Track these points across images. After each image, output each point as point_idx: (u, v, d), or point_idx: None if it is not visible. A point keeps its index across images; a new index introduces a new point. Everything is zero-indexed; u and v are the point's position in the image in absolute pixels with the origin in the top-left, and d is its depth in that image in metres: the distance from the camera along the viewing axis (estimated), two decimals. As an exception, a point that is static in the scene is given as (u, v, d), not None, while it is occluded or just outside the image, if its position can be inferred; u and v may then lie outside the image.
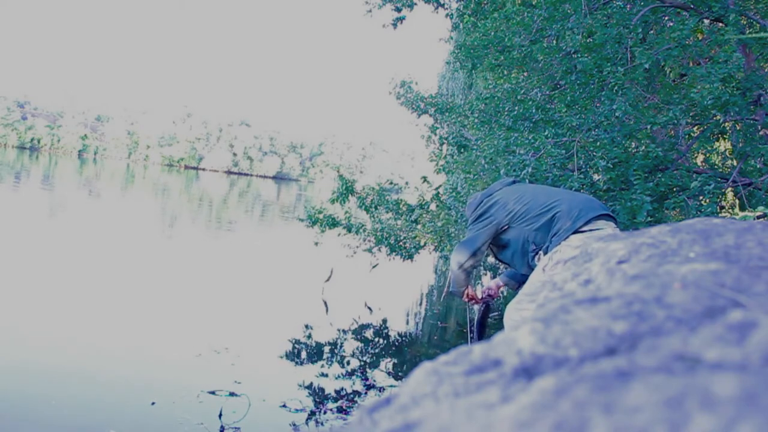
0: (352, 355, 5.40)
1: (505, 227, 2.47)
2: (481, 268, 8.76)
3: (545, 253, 2.32)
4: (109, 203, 18.86)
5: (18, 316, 5.10)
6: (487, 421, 0.32)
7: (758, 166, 4.94)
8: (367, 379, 4.71)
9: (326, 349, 5.49)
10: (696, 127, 5.29)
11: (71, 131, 73.38)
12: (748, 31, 4.92)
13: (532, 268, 2.41)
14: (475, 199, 2.69)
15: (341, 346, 5.66)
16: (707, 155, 7.21)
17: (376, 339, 6.21)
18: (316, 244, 7.62)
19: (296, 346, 5.44)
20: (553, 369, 0.37)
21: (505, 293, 4.89)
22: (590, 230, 2.22)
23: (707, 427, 0.26)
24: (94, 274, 7.16)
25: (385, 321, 6.89)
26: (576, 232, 2.23)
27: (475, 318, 2.88)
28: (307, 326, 6.09)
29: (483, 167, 5.18)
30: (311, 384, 4.43)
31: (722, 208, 4.45)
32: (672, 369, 0.33)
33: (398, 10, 7.96)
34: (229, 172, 77.07)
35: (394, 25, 8.21)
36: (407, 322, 7.31)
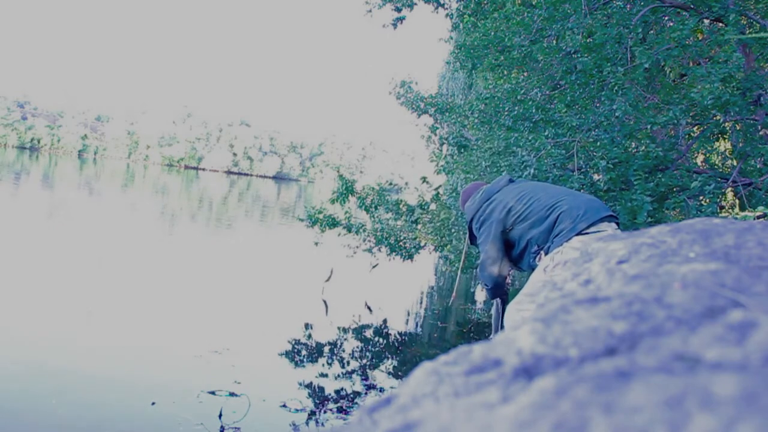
0: (352, 355, 5.40)
1: (509, 229, 2.48)
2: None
3: (546, 253, 2.32)
4: (109, 203, 18.86)
5: (18, 316, 5.10)
6: (487, 421, 0.32)
7: (758, 166, 4.94)
8: (367, 379, 4.71)
9: (326, 349, 5.48)
10: (696, 127, 5.29)
11: (71, 131, 73.34)
12: (748, 31, 4.92)
13: (533, 268, 2.41)
14: (474, 202, 2.68)
15: (341, 346, 5.66)
16: (707, 155, 7.21)
17: (376, 339, 6.21)
18: (316, 244, 7.62)
19: (296, 346, 5.44)
20: (553, 369, 0.37)
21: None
22: (592, 232, 2.22)
23: (707, 427, 0.26)
24: (94, 274, 7.16)
25: (385, 321, 6.89)
26: (578, 233, 2.23)
27: (499, 309, 2.86)
28: (307, 326, 6.09)
29: (483, 168, 5.18)
30: (311, 384, 4.43)
31: (722, 208, 4.45)
32: (672, 369, 0.33)
33: (398, 10, 7.96)
34: (229, 172, 77.06)
35: (394, 25, 8.21)
36: (407, 322, 7.31)
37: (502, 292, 2.69)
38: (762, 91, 3.96)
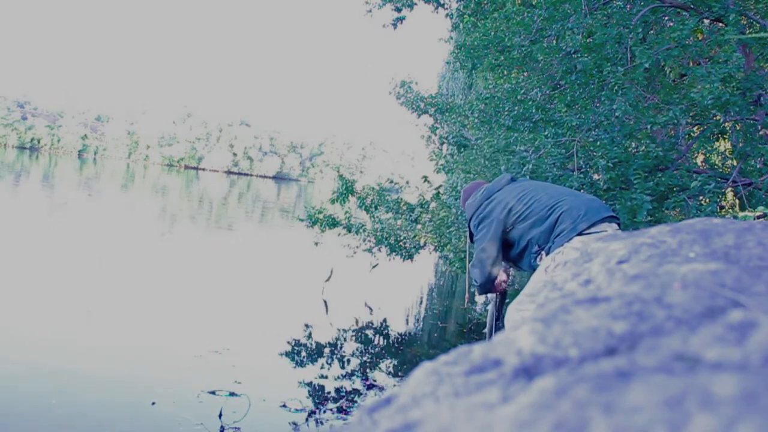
0: (352, 355, 5.40)
1: (510, 229, 2.47)
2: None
3: (547, 253, 2.32)
4: (109, 203, 18.86)
5: (18, 316, 5.10)
6: (487, 421, 0.32)
7: (758, 166, 4.93)
8: (367, 379, 4.71)
9: (326, 349, 5.48)
10: (696, 127, 5.28)
11: (71, 131, 73.32)
12: (748, 31, 4.92)
13: (534, 269, 2.41)
14: (474, 200, 2.68)
15: (341, 346, 5.66)
16: (707, 155, 7.20)
17: (376, 339, 6.21)
18: (316, 244, 7.62)
19: (296, 346, 5.44)
20: (553, 369, 0.37)
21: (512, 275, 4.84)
22: (593, 232, 2.22)
23: (707, 427, 0.26)
24: (94, 274, 7.16)
25: (385, 321, 6.89)
26: (579, 234, 2.22)
27: (491, 310, 2.86)
28: (307, 326, 6.09)
29: (483, 166, 5.18)
30: (311, 384, 4.43)
31: (722, 208, 4.45)
32: (672, 369, 0.33)
33: (398, 10, 7.96)
34: (229, 172, 77.05)
35: (394, 25, 8.20)
36: (407, 322, 7.31)
37: (490, 289, 2.67)
38: (762, 91, 3.96)
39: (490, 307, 2.87)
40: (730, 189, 4.42)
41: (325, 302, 7.32)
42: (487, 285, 2.62)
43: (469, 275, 2.93)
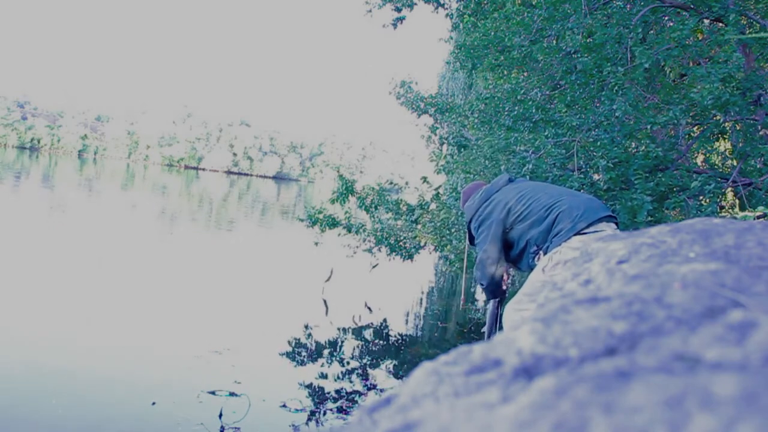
0: (352, 355, 5.39)
1: (509, 229, 2.48)
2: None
3: (545, 253, 2.32)
4: (109, 203, 18.86)
5: (18, 316, 5.10)
6: (487, 421, 0.32)
7: (758, 166, 4.94)
8: (367, 379, 4.71)
9: (326, 349, 5.48)
10: (696, 127, 5.29)
11: (71, 131, 73.33)
12: (748, 31, 4.92)
13: (532, 268, 2.41)
14: (473, 201, 2.68)
15: (341, 346, 5.65)
16: (707, 155, 7.21)
17: (376, 339, 6.20)
18: (316, 244, 7.61)
19: (296, 346, 5.44)
20: (553, 369, 0.37)
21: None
22: (591, 232, 2.22)
23: (707, 427, 0.26)
24: (94, 273, 7.16)
25: (385, 321, 6.89)
26: (577, 233, 2.23)
27: (491, 310, 2.85)
28: (307, 326, 6.09)
29: (484, 166, 5.18)
30: (311, 384, 4.43)
31: (722, 208, 4.45)
32: (672, 369, 0.33)
33: (398, 10, 7.96)
34: (229, 172, 77.06)
35: (394, 25, 8.21)
36: (407, 322, 7.31)
37: (499, 292, 2.68)
38: (762, 91, 3.96)
39: (489, 307, 2.87)
40: (730, 189, 4.42)
41: (325, 302, 7.31)
42: (493, 287, 2.63)
43: (469, 277, 2.95)
